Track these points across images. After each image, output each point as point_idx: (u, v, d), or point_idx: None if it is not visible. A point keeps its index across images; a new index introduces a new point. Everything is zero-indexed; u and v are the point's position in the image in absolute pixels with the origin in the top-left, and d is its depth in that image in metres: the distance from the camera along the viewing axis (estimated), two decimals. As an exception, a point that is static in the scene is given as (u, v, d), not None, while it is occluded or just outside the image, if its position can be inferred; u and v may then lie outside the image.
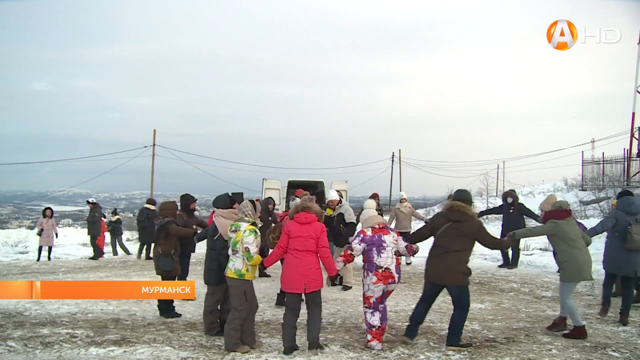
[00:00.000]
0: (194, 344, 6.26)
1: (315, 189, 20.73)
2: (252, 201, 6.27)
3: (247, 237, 5.90)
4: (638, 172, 28.04)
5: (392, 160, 41.04)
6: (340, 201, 9.53)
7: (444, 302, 8.73)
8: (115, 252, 17.25)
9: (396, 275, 6.10)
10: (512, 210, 12.51)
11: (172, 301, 7.61)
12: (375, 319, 6.09)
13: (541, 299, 8.97)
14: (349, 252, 6.18)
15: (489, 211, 14.69)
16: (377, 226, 6.21)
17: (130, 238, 20.71)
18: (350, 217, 9.32)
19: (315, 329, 5.88)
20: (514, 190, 14.24)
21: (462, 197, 6.36)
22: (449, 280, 6.10)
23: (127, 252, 17.21)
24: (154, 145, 32.02)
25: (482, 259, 14.02)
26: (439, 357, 5.80)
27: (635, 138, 30.45)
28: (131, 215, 37.36)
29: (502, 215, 13.22)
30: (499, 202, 25.84)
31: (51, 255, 15.79)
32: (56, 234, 16.25)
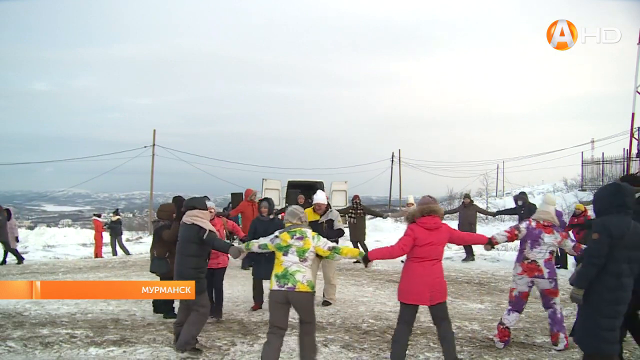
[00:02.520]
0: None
1: (315, 189, 20.77)
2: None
3: (319, 241, 5.32)
4: (637, 172, 28.04)
5: (392, 161, 40.97)
6: (328, 206, 8.54)
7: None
8: (114, 253, 17.27)
9: (545, 270, 6.03)
10: (522, 212, 12.68)
11: (172, 300, 7.61)
12: (509, 319, 6.18)
13: (539, 299, 8.93)
14: (515, 231, 6.06)
15: (505, 211, 14.95)
16: (542, 222, 6.12)
17: (130, 238, 20.74)
18: (339, 224, 8.47)
19: (451, 348, 5.34)
20: (524, 193, 14.35)
21: None
22: None
23: (126, 252, 17.22)
24: (154, 145, 31.97)
25: (482, 259, 14.03)
26: (439, 357, 5.80)
27: (635, 138, 30.44)
28: (131, 215, 37.46)
29: (517, 216, 13.55)
30: (499, 202, 25.88)
31: (7, 259, 14.91)
32: (17, 238, 15.27)
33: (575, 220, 12.04)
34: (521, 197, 13.57)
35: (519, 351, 6.00)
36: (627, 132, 31.16)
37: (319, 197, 8.52)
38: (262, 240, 5.52)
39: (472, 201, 14.45)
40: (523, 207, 12.87)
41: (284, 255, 5.23)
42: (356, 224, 13.77)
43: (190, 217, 6.00)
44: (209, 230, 5.93)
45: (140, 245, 19.93)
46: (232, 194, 18.84)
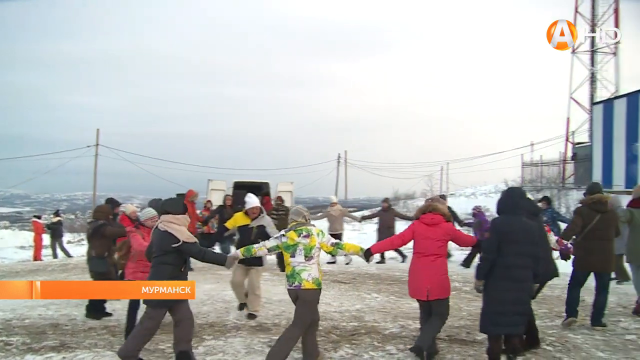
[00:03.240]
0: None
1: (260, 190, 20.71)
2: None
3: (324, 238, 5.59)
4: (573, 175, 29.17)
5: (338, 162, 41.33)
6: (261, 210, 8.03)
7: (387, 301, 8.89)
8: (55, 255, 16.78)
9: None
10: None
11: (104, 300, 7.65)
12: None
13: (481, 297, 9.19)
14: None
15: None
16: None
17: (71, 240, 20.18)
18: (273, 230, 7.99)
19: (426, 335, 5.55)
20: (444, 196, 14.72)
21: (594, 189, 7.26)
22: (607, 268, 7.02)
23: (67, 254, 16.75)
24: (97, 144, 31.29)
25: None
26: (383, 356, 5.89)
27: (570, 142, 31.69)
28: (73, 216, 36.38)
29: None
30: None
31: None
32: None
33: None
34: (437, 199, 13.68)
35: (460, 348, 6.14)
36: (563, 135, 32.43)
37: (251, 201, 7.90)
38: (271, 242, 5.69)
39: (390, 205, 14.68)
40: (291, 216, 13.01)
41: (291, 256, 5.46)
42: (278, 225, 13.55)
43: (164, 222, 5.44)
44: (183, 241, 5.31)
45: (82, 247, 19.36)
46: (177, 195, 18.60)
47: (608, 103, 25.87)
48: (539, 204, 10.94)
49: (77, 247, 18.62)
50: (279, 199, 14.84)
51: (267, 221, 8.00)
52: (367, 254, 5.75)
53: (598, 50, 31.47)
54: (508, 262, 5.04)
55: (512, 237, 5.06)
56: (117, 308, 7.80)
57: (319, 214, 14.86)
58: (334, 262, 13.28)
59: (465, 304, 8.66)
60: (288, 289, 5.49)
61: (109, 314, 7.68)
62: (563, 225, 12.01)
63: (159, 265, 5.40)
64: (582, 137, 31.11)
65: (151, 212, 6.47)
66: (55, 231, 16.82)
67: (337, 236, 12.73)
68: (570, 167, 29.79)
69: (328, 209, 14.32)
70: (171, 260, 5.37)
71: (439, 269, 5.57)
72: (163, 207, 5.60)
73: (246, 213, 7.80)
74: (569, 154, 30.64)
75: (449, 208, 12.95)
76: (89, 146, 31.60)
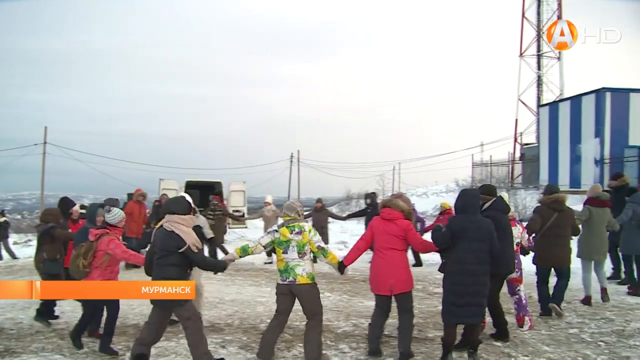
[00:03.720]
0: (87, 351, 6.04)
1: (213, 189, 20.55)
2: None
3: (315, 236, 5.57)
4: (521, 175, 29.98)
5: (291, 161, 41.34)
6: (194, 211, 7.78)
7: (340, 300, 8.97)
8: (0, 257, 16.22)
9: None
10: (369, 211, 13.17)
11: (54, 304, 7.48)
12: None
13: (433, 296, 9.37)
14: None
15: (355, 214, 15.52)
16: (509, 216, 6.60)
17: (17, 241, 19.54)
18: (208, 231, 7.80)
19: (405, 339, 5.65)
20: (374, 193, 15.01)
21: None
22: (564, 263, 7.58)
23: (13, 256, 16.22)
24: (45, 143, 30.38)
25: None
26: (336, 354, 5.94)
27: (518, 143, 32.58)
28: (19, 217, 35.27)
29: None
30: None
31: None
32: None
33: (441, 217, 13.03)
34: (370, 196, 13.86)
35: (412, 346, 6.22)
36: (511, 136, 33.31)
37: None
38: (266, 239, 5.66)
39: (323, 206, 14.89)
40: (370, 207, 13.20)
41: (283, 252, 5.50)
42: (214, 225, 12.99)
43: (170, 223, 5.24)
44: (188, 246, 5.13)
45: (29, 248, 18.72)
46: (128, 195, 18.34)
47: (554, 105, 26.70)
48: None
49: (24, 249, 17.97)
50: (215, 198, 14.65)
51: (202, 221, 7.74)
52: (341, 268, 5.82)
53: (544, 55, 32.47)
54: (461, 257, 5.36)
55: (464, 235, 5.36)
56: (67, 310, 7.64)
57: (253, 214, 14.92)
58: (270, 263, 13.19)
59: (417, 302, 8.76)
60: (280, 284, 5.54)
61: (57, 317, 7.50)
62: None
63: (165, 266, 5.19)
64: (530, 138, 32.15)
65: (120, 213, 6.18)
66: (1, 232, 16.27)
67: None
68: (518, 167, 30.66)
69: (262, 209, 14.37)
70: (177, 261, 5.19)
71: (400, 262, 5.62)
72: (168, 207, 5.42)
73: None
74: (517, 154, 31.55)
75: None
76: (36, 144, 30.65)
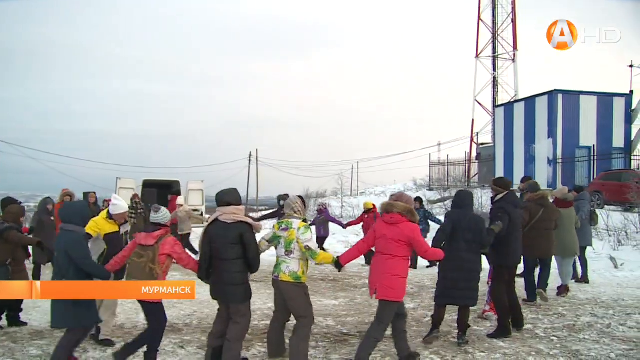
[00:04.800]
0: (42, 355, 5.87)
1: (171, 188, 20.30)
2: (300, 197, 5.74)
3: (303, 234, 5.31)
4: (477, 174, 30.54)
5: (249, 160, 41.26)
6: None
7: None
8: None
9: None
10: (283, 212, 13.15)
11: (20, 309, 7.13)
12: None
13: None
14: None
15: (267, 215, 15.07)
16: None
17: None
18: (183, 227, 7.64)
19: (401, 345, 5.59)
20: (287, 195, 14.87)
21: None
22: (549, 253, 8.48)
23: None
24: (-6, 141, 29.53)
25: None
26: (255, 355, 5.92)
27: (475, 143, 33.20)
28: (-34, 217, 34.17)
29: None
30: (353, 201, 26.84)
31: None
32: None
33: (366, 216, 13.40)
34: (283, 198, 13.78)
35: (380, 343, 6.28)
36: (468, 136, 33.92)
37: (121, 205, 6.30)
38: (268, 234, 5.62)
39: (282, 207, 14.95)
40: (283, 208, 13.19)
41: (275, 248, 5.51)
42: (136, 224, 12.82)
43: (229, 214, 5.15)
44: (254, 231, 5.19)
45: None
46: (84, 194, 17.98)
47: (509, 106, 27.33)
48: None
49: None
50: (135, 196, 14.27)
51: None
52: (338, 266, 5.64)
53: (499, 56, 33.16)
54: (456, 246, 6.04)
55: (459, 226, 6.06)
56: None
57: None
58: None
59: (376, 300, 8.83)
60: (272, 279, 5.57)
61: (24, 323, 7.09)
62: (433, 224, 12.99)
63: (226, 262, 5.14)
64: (486, 138, 32.80)
65: (168, 213, 5.59)
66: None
67: (185, 236, 13.39)
68: (474, 167, 31.23)
69: (176, 210, 14.22)
70: (239, 254, 5.14)
71: (390, 268, 5.30)
72: (223, 198, 5.24)
73: (111, 218, 6.19)
74: (474, 154, 32.14)
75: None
76: (-15, 142, 29.81)
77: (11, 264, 6.78)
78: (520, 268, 8.22)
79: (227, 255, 5.13)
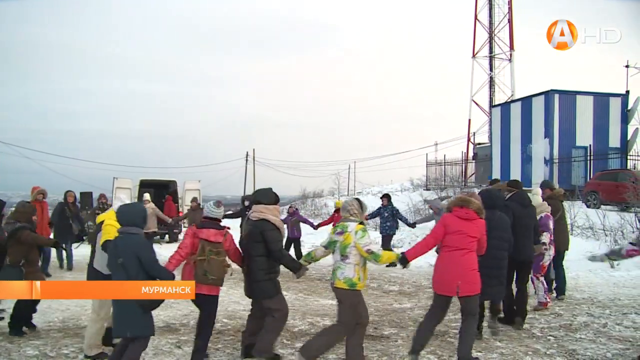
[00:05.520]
0: (38, 355, 5.85)
1: (167, 188, 20.31)
2: (357, 199, 5.52)
3: (361, 238, 5.12)
4: (474, 174, 30.57)
5: (246, 160, 41.29)
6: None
7: (296, 299, 8.97)
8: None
9: None
10: (247, 212, 13.12)
11: (31, 316, 6.74)
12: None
13: (389, 294, 9.48)
14: None
15: (229, 215, 14.74)
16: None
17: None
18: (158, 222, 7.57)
19: (465, 344, 5.36)
20: (251, 195, 14.86)
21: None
22: (567, 247, 9.09)
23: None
24: (-8, 140, 29.49)
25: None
26: (292, 353, 5.93)
27: (471, 142, 33.24)
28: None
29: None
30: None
31: None
32: None
33: (336, 215, 13.36)
34: (247, 197, 13.51)
35: (368, 343, 6.25)
36: (465, 136, 33.96)
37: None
38: (325, 240, 5.47)
39: (199, 205, 15.10)
40: (248, 208, 13.09)
41: (332, 253, 5.32)
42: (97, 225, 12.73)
43: (257, 212, 5.34)
44: (274, 229, 5.25)
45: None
46: (81, 194, 17.96)
47: (505, 106, 27.33)
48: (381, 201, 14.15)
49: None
50: (102, 197, 13.64)
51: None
52: (404, 262, 5.43)
53: (495, 56, 33.22)
54: (488, 244, 5.67)
55: (491, 225, 5.83)
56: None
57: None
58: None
59: (373, 300, 8.87)
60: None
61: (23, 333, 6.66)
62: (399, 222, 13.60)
63: (253, 257, 5.31)
64: (483, 137, 32.85)
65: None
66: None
67: (149, 235, 12.93)
68: (471, 167, 31.25)
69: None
70: (264, 251, 5.27)
71: (470, 264, 5.33)
72: (255, 197, 5.51)
73: None
74: (471, 153, 32.17)
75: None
76: (-18, 142, 29.79)
77: (24, 265, 6.49)
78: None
79: (253, 252, 5.33)
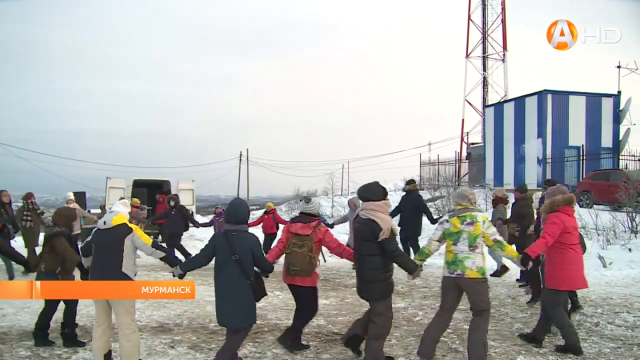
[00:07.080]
0: (31, 355, 5.84)
1: (161, 188, 20.24)
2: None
3: (489, 228, 5.20)
4: (467, 173, 30.65)
5: (240, 160, 41.23)
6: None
7: (290, 299, 8.93)
8: None
9: None
10: (173, 213, 13.07)
11: (48, 325, 6.27)
12: None
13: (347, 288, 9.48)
14: None
15: (157, 217, 14.82)
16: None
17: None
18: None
19: (570, 331, 5.96)
20: (177, 195, 14.61)
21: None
22: None
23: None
24: (-15, 141, 29.36)
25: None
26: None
27: (465, 142, 33.33)
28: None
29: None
30: (344, 201, 26.87)
31: None
32: None
33: (265, 216, 14.11)
34: (173, 198, 13.49)
35: (363, 343, 6.30)
36: (458, 136, 34.05)
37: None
38: (437, 233, 5.40)
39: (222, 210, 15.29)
40: (174, 209, 12.92)
41: (453, 244, 5.23)
42: (32, 228, 11.91)
43: (367, 210, 5.17)
44: (384, 232, 5.04)
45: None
46: (74, 193, 17.87)
47: (498, 106, 27.41)
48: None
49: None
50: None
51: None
52: (526, 260, 5.52)
53: (489, 56, 33.31)
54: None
55: None
56: (8, 313, 7.40)
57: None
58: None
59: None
60: (446, 277, 5.29)
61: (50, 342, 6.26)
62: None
63: (363, 257, 5.22)
64: (476, 137, 32.93)
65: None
66: None
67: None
68: (465, 166, 31.34)
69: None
70: (375, 250, 5.12)
71: (581, 260, 5.98)
72: (361, 193, 5.31)
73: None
74: (464, 153, 32.26)
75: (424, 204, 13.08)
76: (-25, 142, 29.66)
77: (60, 273, 6.05)
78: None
79: (364, 251, 5.20)
